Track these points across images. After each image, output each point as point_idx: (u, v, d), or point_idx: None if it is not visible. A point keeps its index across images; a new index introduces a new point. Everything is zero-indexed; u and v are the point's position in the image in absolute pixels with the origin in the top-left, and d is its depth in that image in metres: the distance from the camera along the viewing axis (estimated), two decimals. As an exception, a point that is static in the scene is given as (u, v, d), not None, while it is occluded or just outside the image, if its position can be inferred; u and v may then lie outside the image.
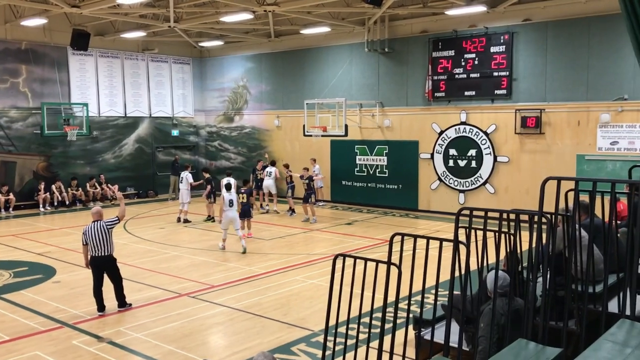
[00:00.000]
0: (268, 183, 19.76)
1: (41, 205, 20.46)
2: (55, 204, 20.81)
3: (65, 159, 21.83)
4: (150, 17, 20.12)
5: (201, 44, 24.30)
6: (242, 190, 15.38)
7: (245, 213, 15.05)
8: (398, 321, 5.50)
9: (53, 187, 20.91)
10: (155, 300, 10.04)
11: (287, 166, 20.20)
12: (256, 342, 8.05)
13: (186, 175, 18.22)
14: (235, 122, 24.92)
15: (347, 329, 5.54)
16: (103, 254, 9.19)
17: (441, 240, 5.17)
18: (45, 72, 21.19)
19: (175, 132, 25.28)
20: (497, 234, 5.49)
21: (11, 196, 20.07)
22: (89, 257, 9.26)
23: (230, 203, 13.88)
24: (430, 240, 5.30)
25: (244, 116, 24.53)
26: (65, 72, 21.72)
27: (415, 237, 5.34)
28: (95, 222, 9.29)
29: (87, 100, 22.17)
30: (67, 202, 21.01)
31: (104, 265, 9.28)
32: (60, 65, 21.53)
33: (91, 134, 22.31)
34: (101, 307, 9.29)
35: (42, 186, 20.59)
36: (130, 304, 9.59)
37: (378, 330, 5.50)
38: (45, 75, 21.19)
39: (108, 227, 9.25)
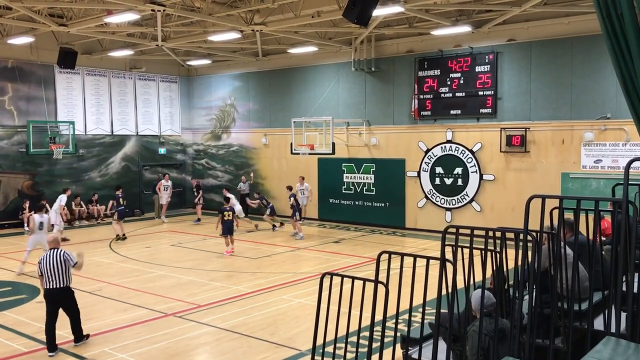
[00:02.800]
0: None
1: (26, 224, 20.19)
2: (40, 222, 20.53)
3: (51, 178, 21.65)
4: (138, 36, 20.17)
5: (189, 63, 24.36)
6: (227, 208, 16.10)
7: (229, 230, 15.67)
8: (386, 340, 5.49)
9: (38, 205, 20.66)
10: (141, 320, 9.92)
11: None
12: (243, 362, 7.97)
13: (60, 198, 18.23)
14: (222, 140, 24.92)
15: (335, 348, 5.52)
16: (59, 285, 8.32)
17: (428, 258, 5.19)
18: (32, 90, 21.10)
19: (162, 151, 25.21)
20: (483, 251, 5.51)
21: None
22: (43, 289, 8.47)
23: (40, 226, 13.46)
24: (417, 259, 5.31)
25: (231, 134, 24.55)
26: (52, 90, 21.65)
27: (402, 255, 5.35)
28: (52, 251, 8.49)
29: (74, 119, 22.07)
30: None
31: (60, 298, 8.41)
32: (46, 83, 21.46)
33: (77, 152, 22.18)
34: (52, 346, 8.30)
35: (26, 205, 20.36)
36: (88, 335, 8.82)
37: (366, 349, 5.48)
38: (31, 94, 21.09)
39: (66, 258, 8.43)
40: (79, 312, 8.67)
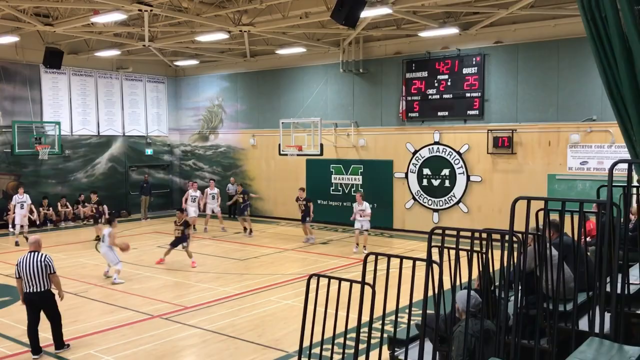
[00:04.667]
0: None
1: (10, 226, 19.97)
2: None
3: (37, 178, 21.45)
4: (125, 36, 20.05)
5: (176, 63, 24.26)
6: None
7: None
8: (372, 341, 5.50)
9: (23, 206, 20.45)
10: (127, 322, 9.86)
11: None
12: (230, 364, 7.94)
13: (23, 198, 17.91)
14: (210, 141, 24.83)
15: (322, 349, 5.51)
16: (39, 289, 8.13)
17: (414, 259, 5.20)
18: (17, 90, 20.90)
19: (149, 151, 25.06)
20: (469, 253, 5.53)
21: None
22: (23, 292, 8.25)
23: (103, 239, 13.28)
24: (404, 260, 5.32)
25: (219, 135, 24.47)
26: (38, 91, 21.45)
27: (389, 256, 5.36)
28: (32, 253, 8.22)
29: (60, 119, 21.90)
30: (38, 222, 20.55)
31: (40, 303, 8.23)
32: (32, 83, 21.27)
33: (63, 153, 22.00)
34: (36, 349, 8.20)
35: (11, 206, 20.11)
36: (69, 345, 8.57)
37: (352, 350, 5.47)
38: (16, 94, 20.90)
39: (47, 264, 8.20)
40: (60, 317, 8.49)
